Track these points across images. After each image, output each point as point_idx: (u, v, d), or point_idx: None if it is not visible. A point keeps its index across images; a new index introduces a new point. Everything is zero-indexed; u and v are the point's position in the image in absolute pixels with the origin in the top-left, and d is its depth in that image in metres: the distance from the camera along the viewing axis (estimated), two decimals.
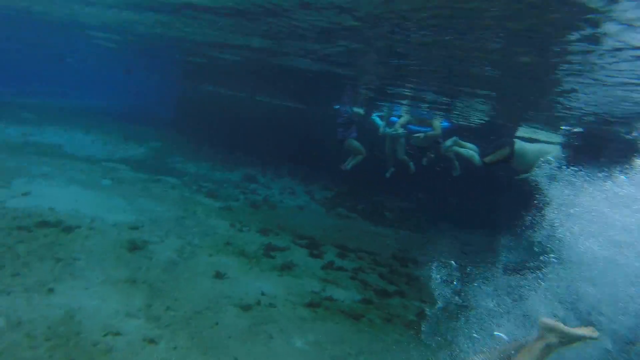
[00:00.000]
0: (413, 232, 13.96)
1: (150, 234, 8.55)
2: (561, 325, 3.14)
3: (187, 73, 25.13)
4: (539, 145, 8.00)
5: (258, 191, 14.77)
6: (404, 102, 14.02)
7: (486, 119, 14.46)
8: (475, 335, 4.08)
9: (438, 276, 6.78)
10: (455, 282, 6.56)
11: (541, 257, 4.14)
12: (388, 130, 11.03)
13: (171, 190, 12.47)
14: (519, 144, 7.57)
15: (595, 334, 3.09)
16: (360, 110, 11.22)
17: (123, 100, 44.69)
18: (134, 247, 7.67)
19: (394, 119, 11.53)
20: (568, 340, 3.10)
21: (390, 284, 8.90)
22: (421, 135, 10.28)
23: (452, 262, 7.36)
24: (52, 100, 31.29)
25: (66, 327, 4.98)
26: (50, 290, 5.71)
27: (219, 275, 7.07)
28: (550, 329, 3.14)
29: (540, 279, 4.03)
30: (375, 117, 11.72)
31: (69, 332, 4.88)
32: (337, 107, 11.14)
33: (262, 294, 6.76)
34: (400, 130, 10.66)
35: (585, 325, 3.22)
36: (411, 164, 11.43)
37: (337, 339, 6.17)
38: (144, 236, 8.35)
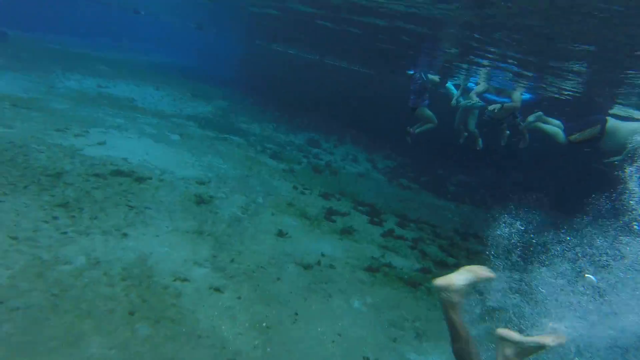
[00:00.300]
0: (476, 207, 13.42)
1: (216, 190, 8.72)
2: (515, 335, 2.81)
3: (257, 31, 24.91)
4: (635, 124, 7.13)
5: (320, 156, 14.71)
6: (484, 68, 13.00)
7: (576, 92, 13.16)
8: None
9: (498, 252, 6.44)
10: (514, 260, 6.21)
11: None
12: (462, 100, 10.36)
13: (236, 150, 12.66)
14: (611, 122, 6.83)
15: (563, 339, 2.81)
16: (436, 77, 10.48)
17: (192, 58, 45.80)
18: (200, 201, 7.85)
19: (471, 84, 10.84)
20: (526, 350, 2.79)
21: (450, 257, 8.63)
22: (497, 106, 9.55)
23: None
24: (126, 55, 32.61)
25: (139, 269, 5.18)
26: (125, 235, 5.96)
27: (281, 234, 7.10)
28: (504, 339, 2.82)
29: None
30: (450, 84, 11.06)
31: (142, 275, 5.07)
32: (411, 72, 10.52)
33: (322, 255, 6.74)
34: (475, 99, 9.96)
35: (550, 333, 2.89)
36: (480, 140, 10.75)
37: (394, 304, 6.07)
38: (210, 191, 8.53)
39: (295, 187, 10.16)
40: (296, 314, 4.92)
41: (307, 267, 6.14)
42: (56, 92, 14.70)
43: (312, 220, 8.19)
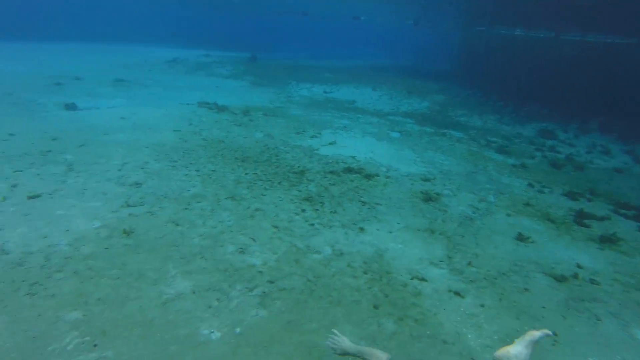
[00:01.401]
0: None
1: (442, 187, 8.50)
2: (511, 350, 2.84)
3: (477, 15, 23.42)
4: None
5: (558, 148, 13.02)
6: None
7: None
8: None
9: None
10: None
11: None
12: None
13: (457, 144, 12.21)
14: None
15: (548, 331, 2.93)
16: None
17: (408, 57, 46.64)
18: (427, 198, 7.75)
19: None
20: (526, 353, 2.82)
21: None
22: None
23: None
24: (346, 61, 35.18)
25: (377, 264, 5.35)
26: (361, 230, 6.27)
27: (521, 238, 6.43)
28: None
29: None
30: None
31: (381, 270, 5.22)
32: None
33: (579, 266, 5.81)
34: None
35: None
36: None
37: None
38: (436, 188, 8.37)
39: (530, 185, 9.16)
40: (555, 334, 4.32)
41: (560, 279, 5.36)
42: (293, 101, 16.73)
43: (558, 224, 7.19)
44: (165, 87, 17.55)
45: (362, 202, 7.34)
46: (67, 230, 5.33)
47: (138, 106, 13.29)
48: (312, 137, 11.12)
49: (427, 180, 8.82)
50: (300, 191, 7.43)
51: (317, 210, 6.78)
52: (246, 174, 7.88)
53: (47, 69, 20.84)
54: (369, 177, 8.57)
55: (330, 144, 10.75)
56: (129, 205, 6.16)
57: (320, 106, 16.25)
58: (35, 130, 9.64)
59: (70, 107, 12.71)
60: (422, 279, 5.10)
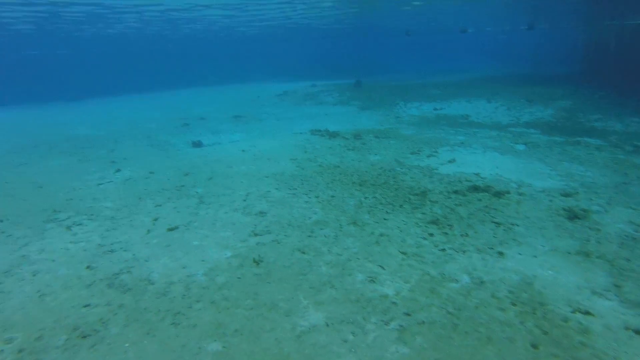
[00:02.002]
0: None
1: (588, 202, 7.42)
2: None
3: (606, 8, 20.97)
4: None
5: None
6: None
7: None
8: None
9: None
10: None
11: None
12: None
13: (597, 152, 10.75)
14: None
15: None
16: None
17: (522, 63, 43.75)
18: (573, 215, 6.79)
19: None
20: None
21: None
22: None
23: None
24: (454, 75, 33.92)
25: (527, 294, 4.68)
26: (500, 254, 5.62)
27: None
28: None
29: None
30: None
31: (533, 301, 4.55)
32: None
33: None
34: None
35: None
36: None
37: None
38: (581, 204, 7.32)
39: None
40: None
41: None
42: (403, 121, 16.36)
43: None
44: (278, 118, 18.36)
45: (496, 223, 6.66)
46: (203, 260, 5.55)
47: (256, 139, 13.98)
48: (429, 156, 10.61)
49: (567, 195, 7.78)
50: (424, 214, 6.99)
51: (446, 233, 6.27)
52: (365, 198, 7.66)
53: (177, 113, 23.15)
54: (498, 195, 7.82)
55: (449, 162, 10.14)
56: (256, 234, 6.28)
57: (432, 124, 15.65)
58: (170, 168, 10.53)
59: (197, 144, 13.79)
60: (587, 313, 4.33)
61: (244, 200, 7.75)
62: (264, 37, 50.59)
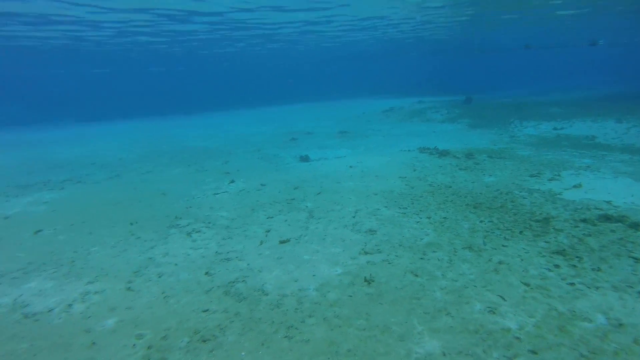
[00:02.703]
0: None
1: None
2: None
3: None
4: None
5: None
6: None
7: None
8: None
9: None
10: None
11: None
12: None
13: None
14: None
15: None
16: None
17: None
18: None
19: None
20: None
21: None
22: None
23: None
24: (575, 92, 31.18)
25: None
26: None
27: None
28: None
29: None
30: None
31: None
32: None
33: None
34: None
35: None
36: None
37: None
38: None
39: None
40: None
41: None
42: (518, 140, 15.33)
43: None
44: (384, 135, 18.31)
45: (634, 258, 5.86)
46: (314, 276, 5.63)
47: (362, 155, 14.06)
48: (550, 180, 9.76)
49: None
50: (548, 243, 6.40)
51: (574, 266, 5.67)
52: (481, 221, 7.24)
53: (285, 127, 24.23)
54: (635, 226, 6.90)
55: (574, 187, 9.23)
56: (366, 253, 6.24)
57: (552, 144, 14.43)
58: (280, 181, 10.98)
59: (304, 159, 14.24)
60: None
61: (353, 217, 7.78)
62: (369, 53, 51.20)
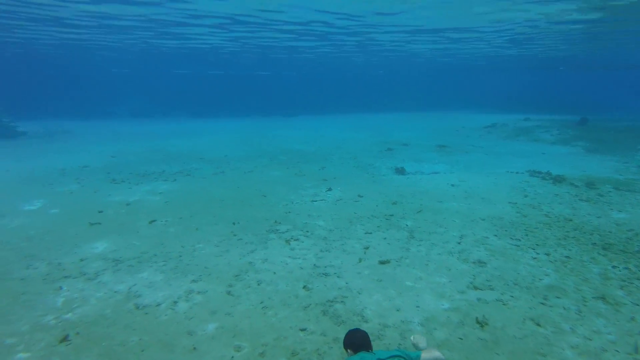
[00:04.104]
0: None
1: None
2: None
3: None
4: None
5: None
6: None
7: None
8: None
9: None
10: None
11: None
12: None
13: None
14: None
15: None
16: None
17: None
18: None
19: None
20: None
21: None
22: None
23: None
24: None
25: None
26: None
27: None
28: None
29: None
30: None
31: None
32: None
33: None
34: None
35: None
36: None
37: None
38: None
39: None
40: None
41: None
42: None
43: None
44: (486, 152, 17.16)
45: None
46: (418, 307, 5.18)
47: (463, 172, 13.22)
48: None
49: None
50: None
51: None
52: (614, 267, 6.25)
53: (380, 136, 23.80)
54: None
55: None
56: (476, 288, 5.64)
57: None
58: (377, 193, 10.61)
59: (400, 171, 13.73)
60: None
61: (459, 243, 7.17)
62: (469, 66, 48.89)
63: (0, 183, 12.27)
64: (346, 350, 3.52)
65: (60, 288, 5.79)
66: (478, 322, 4.81)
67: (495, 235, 7.50)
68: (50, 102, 44.83)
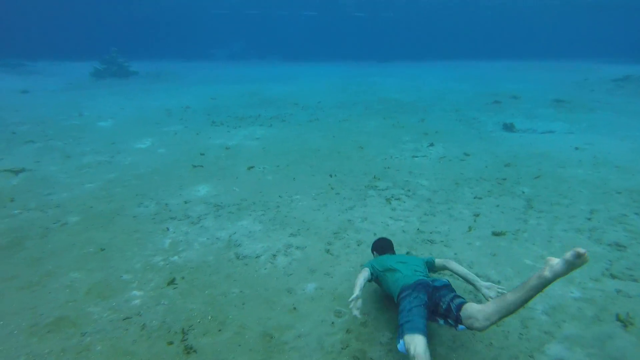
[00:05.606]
0: None
1: None
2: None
3: None
4: None
5: None
6: None
7: None
8: None
9: None
10: None
11: None
12: None
13: None
14: None
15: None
16: None
17: None
18: None
19: None
20: None
21: None
22: None
23: None
24: None
25: None
26: None
27: None
28: None
29: None
30: None
31: None
32: None
33: None
34: None
35: None
36: None
37: None
38: None
39: None
40: None
41: None
42: None
43: None
44: (616, 111, 14.86)
45: None
46: (544, 294, 4.49)
47: (587, 133, 11.54)
48: None
49: None
50: None
51: None
52: None
53: (485, 87, 21.85)
54: None
55: None
56: (614, 277, 4.76)
57: None
58: (486, 152, 9.62)
59: (509, 127, 12.41)
60: None
61: (589, 220, 6.17)
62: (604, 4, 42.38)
63: (115, 121, 13.09)
64: (372, 253, 4.64)
65: (167, 229, 5.91)
66: (620, 320, 4.02)
67: (637, 214, 6.34)
68: (158, 43, 47.26)
